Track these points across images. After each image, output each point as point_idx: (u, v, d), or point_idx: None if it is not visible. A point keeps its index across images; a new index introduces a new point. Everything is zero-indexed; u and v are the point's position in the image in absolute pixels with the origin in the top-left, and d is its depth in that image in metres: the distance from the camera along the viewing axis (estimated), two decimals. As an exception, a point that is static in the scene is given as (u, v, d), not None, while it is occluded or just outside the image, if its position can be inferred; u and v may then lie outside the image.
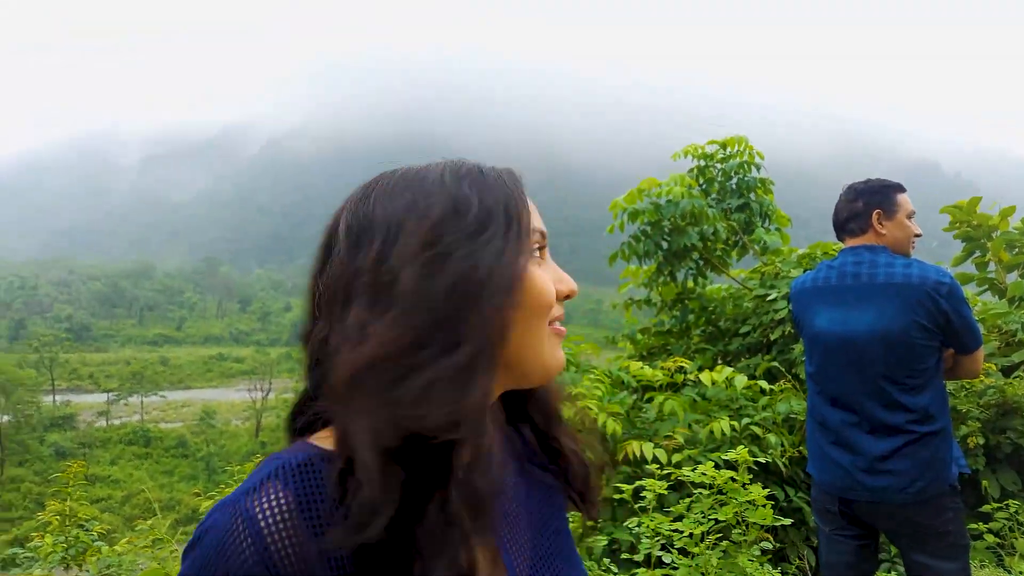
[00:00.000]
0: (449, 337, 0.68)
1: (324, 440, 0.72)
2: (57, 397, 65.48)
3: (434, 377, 0.66)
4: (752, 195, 6.12)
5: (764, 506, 2.80)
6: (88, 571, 3.66)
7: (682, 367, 4.13)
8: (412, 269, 0.69)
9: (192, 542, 0.69)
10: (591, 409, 3.55)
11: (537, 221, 0.81)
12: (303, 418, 0.77)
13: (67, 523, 3.91)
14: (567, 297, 0.83)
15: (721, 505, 2.82)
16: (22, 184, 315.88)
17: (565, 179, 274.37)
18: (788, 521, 2.92)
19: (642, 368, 4.15)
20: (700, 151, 6.18)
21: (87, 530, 3.96)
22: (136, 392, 66.36)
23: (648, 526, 2.84)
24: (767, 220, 6.17)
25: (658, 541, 2.80)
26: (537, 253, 0.80)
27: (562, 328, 0.82)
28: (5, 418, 53.57)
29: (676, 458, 3.45)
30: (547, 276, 0.80)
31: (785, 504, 3.73)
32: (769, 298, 5.22)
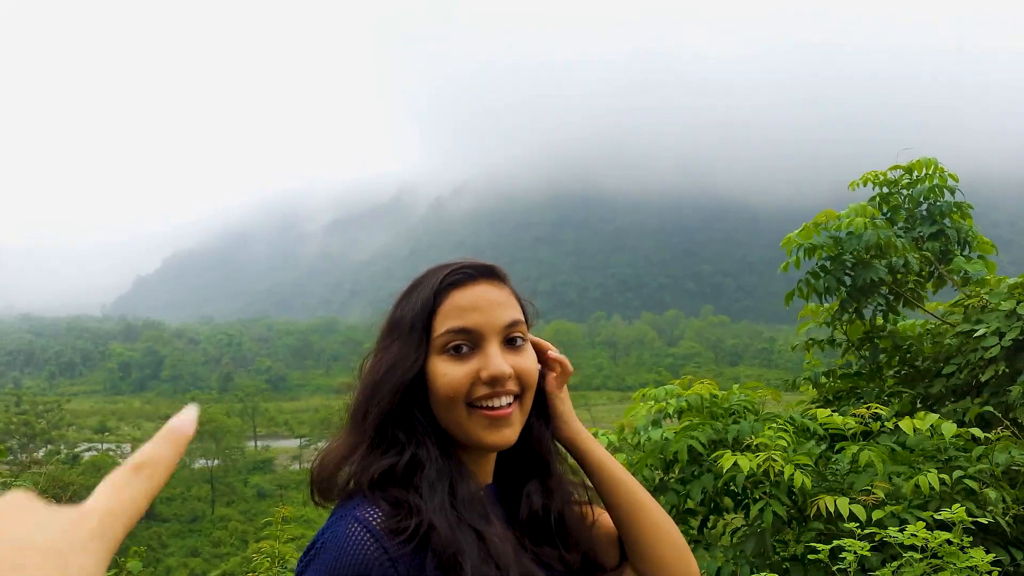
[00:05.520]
0: (357, 418, 1.03)
1: None
2: (258, 442, 71.75)
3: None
4: (947, 221, 5.57)
5: (989, 573, 2.48)
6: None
7: (877, 414, 3.78)
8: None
9: (311, 553, 0.87)
10: (776, 461, 3.33)
11: (455, 321, 0.97)
12: None
13: (275, 564, 4.23)
14: (489, 381, 0.96)
15: (936, 571, 2.53)
16: (228, 251, 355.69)
17: (730, 217, 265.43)
18: (1020, 591, 2.56)
19: (831, 415, 3.84)
20: (882, 178, 5.74)
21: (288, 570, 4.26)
22: (324, 437, 70.67)
23: (850, 590, 2.60)
24: (967, 247, 5.58)
25: (862, 607, 2.55)
26: (453, 350, 0.97)
27: (495, 410, 0.97)
28: (216, 462, 59.41)
29: (877, 515, 3.14)
30: (451, 368, 0.97)
31: (1011, 569, 3.27)
32: (977, 334, 4.68)
